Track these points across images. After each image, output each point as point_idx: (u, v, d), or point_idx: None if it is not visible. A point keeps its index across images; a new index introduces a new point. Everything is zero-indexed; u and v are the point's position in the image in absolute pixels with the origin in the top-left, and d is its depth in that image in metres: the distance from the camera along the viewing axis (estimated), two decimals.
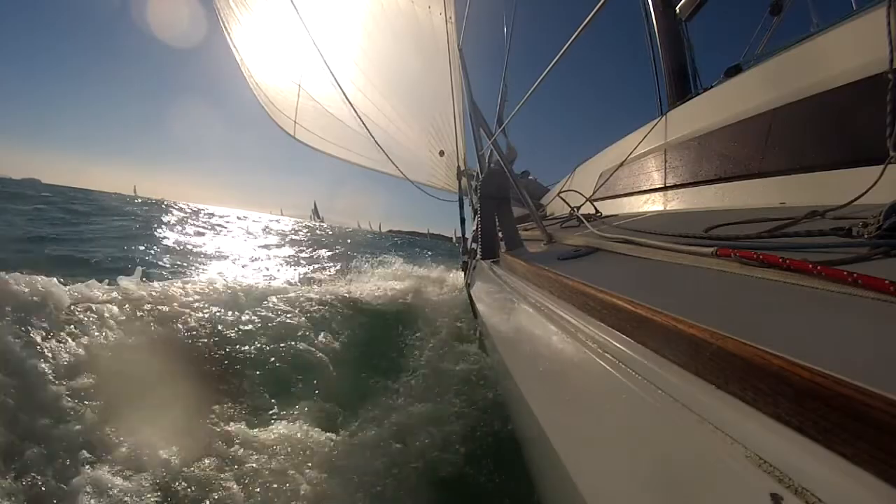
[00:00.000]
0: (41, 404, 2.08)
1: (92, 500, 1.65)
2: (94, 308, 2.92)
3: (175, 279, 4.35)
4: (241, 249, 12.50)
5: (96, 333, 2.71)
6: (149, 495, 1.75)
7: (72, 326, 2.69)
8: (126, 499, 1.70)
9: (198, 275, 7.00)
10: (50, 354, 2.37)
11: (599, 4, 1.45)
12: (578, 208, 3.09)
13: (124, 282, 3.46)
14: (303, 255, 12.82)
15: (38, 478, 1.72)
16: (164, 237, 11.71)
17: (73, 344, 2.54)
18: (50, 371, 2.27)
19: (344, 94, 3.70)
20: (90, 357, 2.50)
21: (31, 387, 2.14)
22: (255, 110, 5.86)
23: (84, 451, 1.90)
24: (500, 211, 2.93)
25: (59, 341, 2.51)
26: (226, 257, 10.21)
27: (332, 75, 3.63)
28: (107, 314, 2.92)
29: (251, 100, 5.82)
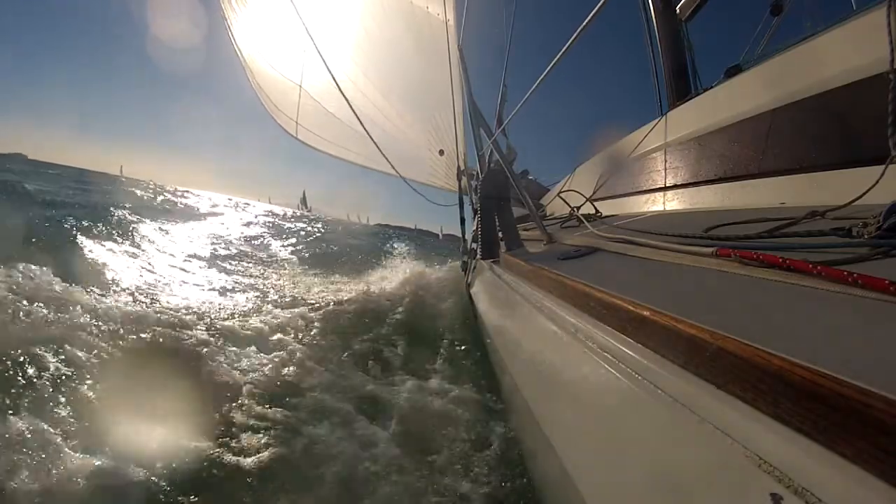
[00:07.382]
0: None
1: None
2: None
3: None
4: None
5: None
6: None
7: None
8: None
9: None
10: None
11: (599, 4, 1.45)
12: (578, 208, 3.09)
13: None
14: None
15: None
16: None
17: None
18: None
19: (342, 93, 3.70)
20: None
21: None
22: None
23: None
24: (500, 211, 2.93)
25: None
26: None
27: (330, 73, 3.63)
28: None
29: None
